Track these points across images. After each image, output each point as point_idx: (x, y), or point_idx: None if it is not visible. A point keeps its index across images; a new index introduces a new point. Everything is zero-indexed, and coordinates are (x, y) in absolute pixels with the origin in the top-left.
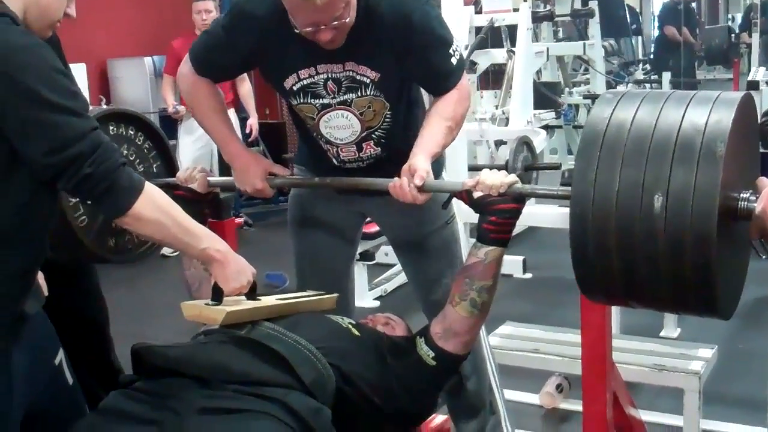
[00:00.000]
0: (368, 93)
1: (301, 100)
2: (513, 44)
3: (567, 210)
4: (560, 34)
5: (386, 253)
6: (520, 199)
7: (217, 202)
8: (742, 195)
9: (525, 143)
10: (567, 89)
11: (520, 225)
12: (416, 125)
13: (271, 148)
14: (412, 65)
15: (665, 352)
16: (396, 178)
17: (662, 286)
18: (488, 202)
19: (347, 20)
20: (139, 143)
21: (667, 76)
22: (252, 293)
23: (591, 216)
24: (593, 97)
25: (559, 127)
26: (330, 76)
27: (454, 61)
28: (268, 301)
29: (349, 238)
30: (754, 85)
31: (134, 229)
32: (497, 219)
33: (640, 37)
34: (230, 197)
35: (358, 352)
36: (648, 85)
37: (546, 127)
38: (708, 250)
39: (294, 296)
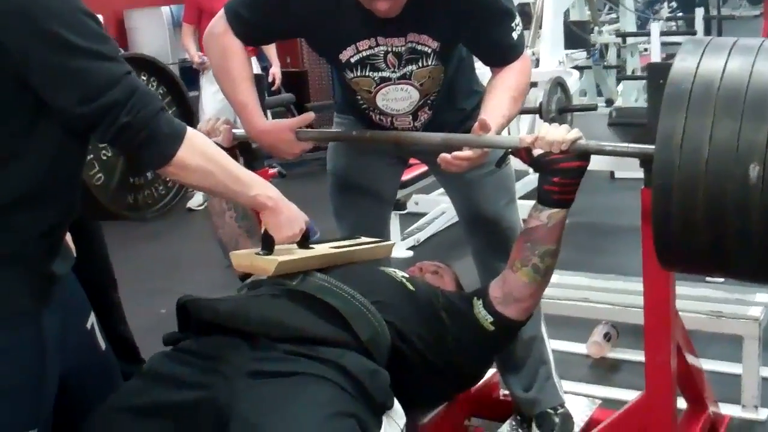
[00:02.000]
0: (429, 63)
1: (359, 73)
2: None
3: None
4: None
5: (416, 203)
6: (585, 156)
7: (250, 152)
8: None
9: (559, 84)
10: (596, 28)
11: None
12: (467, 86)
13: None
14: (472, 36)
15: (721, 298)
16: (443, 154)
17: (753, 261)
18: (550, 161)
19: None
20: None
21: (700, 12)
22: (305, 241)
23: (676, 186)
24: (624, 35)
25: (588, 67)
26: (390, 49)
27: (515, 35)
28: (321, 249)
29: (391, 185)
30: None
31: (179, 179)
32: (560, 179)
33: None
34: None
35: (413, 308)
36: (678, 23)
37: (576, 68)
38: None
39: (348, 244)
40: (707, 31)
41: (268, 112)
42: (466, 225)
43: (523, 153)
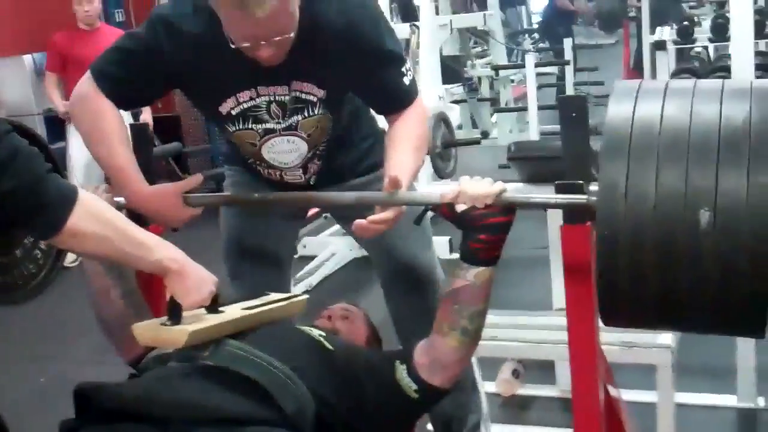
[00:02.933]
0: (316, 112)
1: (241, 126)
2: (410, 18)
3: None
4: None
5: (305, 245)
6: (511, 210)
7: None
8: None
9: (442, 119)
10: (470, 62)
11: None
12: (360, 129)
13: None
14: (360, 83)
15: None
16: (358, 221)
17: (707, 313)
18: (475, 217)
19: (291, 34)
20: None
21: (569, 42)
22: (214, 305)
23: (623, 237)
24: (497, 68)
25: (464, 101)
26: (274, 98)
27: (406, 80)
28: (232, 312)
29: (290, 242)
30: (661, 45)
31: (72, 248)
32: (487, 236)
33: (523, 7)
34: None
35: (333, 372)
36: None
37: (453, 102)
38: (766, 271)
39: (260, 302)
40: (575, 60)
41: None
42: (382, 281)
43: (445, 209)
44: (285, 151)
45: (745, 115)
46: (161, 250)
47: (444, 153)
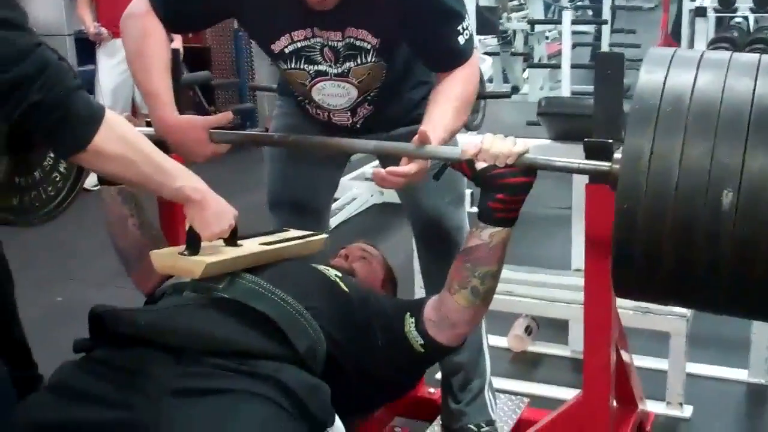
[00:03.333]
0: (368, 60)
1: (293, 65)
2: None
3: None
4: None
5: None
6: (532, 171)
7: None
8: None
9: None
10: (505, 14)
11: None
12: (413, 77)
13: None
14: (414, 36)
15: None
16: (377, 169)
17: (720, 293)
18: (494, 176)
19: None
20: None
21: (607, 2)
22: (233, 238)
23: (642, 212)
24: (534, 23)
25: (496, 54)
26: (327, 42)
27: (462, 39)
28: (250, 246)
29: (338, 166)
30: (701, 12)
31: (95, 168)
32: (505, 196)
33: None
34: None
35: (347, 314)
36: (581, 11)
37: (485, 54)
38: None
39: (279, 238)
40: (613, 21)
41: None
42: (413, 230)
43: (465, 166)
44: (335, 95)
45: None
46: (184, 179)
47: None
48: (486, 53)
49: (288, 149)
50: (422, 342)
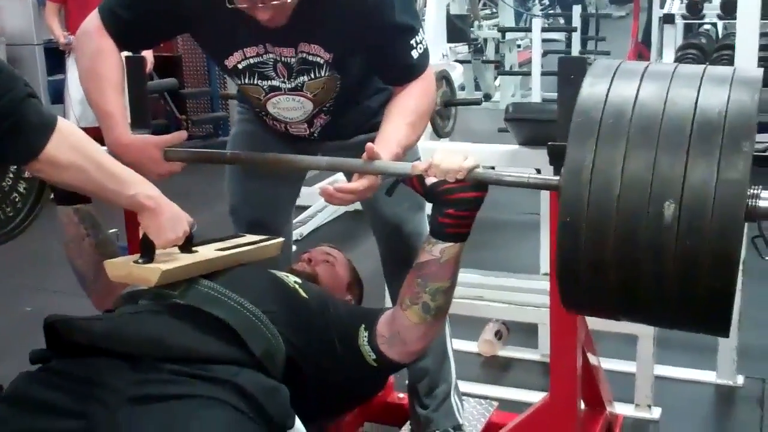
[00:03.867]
0: (322, 74)
1: (247, 81)
2: None
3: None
4: None
5: (299, 195)
6: (483, 186)
7: None
8: (750, 191)
9: (444, 78)
10: (476, 22)
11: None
12: (370, 86)
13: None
14: (366, 51)
15: None
16: (325, 186)
17: (666, 307)
18: (444, 191)
19: (288, 0)
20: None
21: (577, 9)
22: (188, 245)
23: (585, 225)
24: (504, 30)
25: (468, 61)
26: (280, 58)
27: (415, 54)
28: (205, 252)
29: (297, 179)
30: (669, 19)
31: (47, 176)
32: (456, 212)
33: None
34: (143, 134)
35: (306, 320)
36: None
37: (456, 62)
38: (729, 272)
39: (234, 244)
40: (584, 29)
41: None
42: (375, 237)
43: (416, 181)
44: (290, 108)
45: (721, 106)
46: (137, 186)
47: (444, 112)
48: (457, 61)
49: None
50: (374, 357)
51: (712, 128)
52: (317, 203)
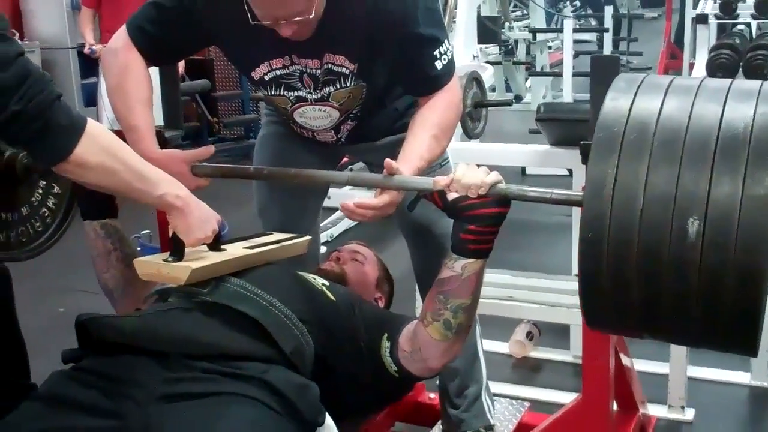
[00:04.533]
0: (348, 84)
1: (273, 92)
2: None
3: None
4: None
5: (329, 197)
6: (505, 202)
7: (162, 141)
8: None
9: (474, 79)
10: (507, 24)
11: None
12: (396, 89)
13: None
14: (390, 61)
15: None
16: (344, 201)
17: (690, 325)
18: (466, 207)
19: (311, 16)
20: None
21: (609, 10)
22: (216, 244)
23: (607, 241)
24: (535, 31)
25: (499, 63)
26: (305, 70)
27: (439, 65)
28: (234, 250)
29: (322, 192)
30: (702, 19)
31: (77, 177)
32: (477, 227)
33: None
34: (176, 136)
35: (334, 320)
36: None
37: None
38: (756, 291)
39: (262, 242)
40: (616, 30)
41: None
42: (404, 237)
43: (437, 197)
44: (316, 117)
45: (747, 120)
46: (166, 186)
47: (474, 113)
48: (488, 62)
49: (277, 162)
50: (396, 369)
51: (737, 143)
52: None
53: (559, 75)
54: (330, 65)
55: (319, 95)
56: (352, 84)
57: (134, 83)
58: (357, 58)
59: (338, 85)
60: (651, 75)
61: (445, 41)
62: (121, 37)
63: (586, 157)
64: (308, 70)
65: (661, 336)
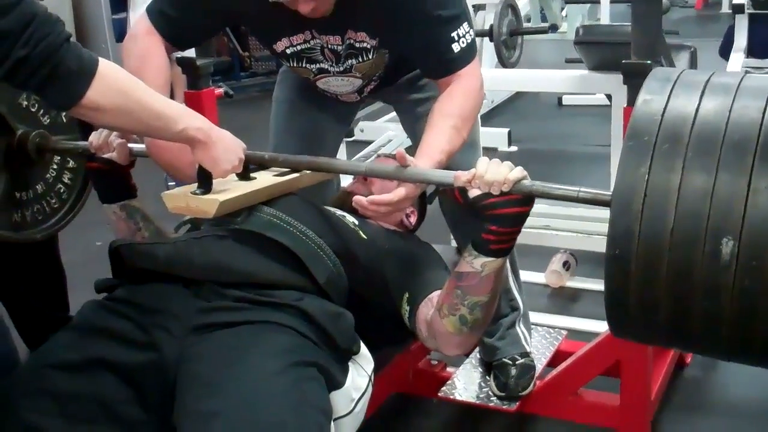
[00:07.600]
0: (370, 57)
1: (295, 64)
2: None
3: (557, 74)
4: None
5: (362, 130)
6: (529, 200)
7: (194, 69)
8: None
9: (510, 6)
10: None
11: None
12: None
13: None
14: (407, 42)
15: None
16: (358, 197)
17: (720, 345)
18: (488, 205)
19: None
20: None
21: None
22: (245, 173)
23: (635, 260)
24: None
25: None
26: (327, 45)
27: (456, 47)
28: (263, 179)
29: (346, 115)
30: (739, 8)
31: (92, 120)
32: (498, 227)
33: None
34: (208, 63)
35: (364, 259)
36: None
37: None
38: None
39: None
40: None
41: None
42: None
43: (457, 193)
44: (340, 85)
45: None
46: (185, 120)
47: (509, 41)
48: None
49: (297, 95)
50: (413, 330)
51: None
52: (380, 138)
53: (597, 2)
54: (351, 41)
55: (342, 68)
56: (375, 56)
57: (151, 71)
58: (377, 33)
59: (361, 59)
60: (687, 72)
61: (464, 24)
62: (141, 22)
63: (630, 77)
64: (329, 46)
65: (690, 350)
